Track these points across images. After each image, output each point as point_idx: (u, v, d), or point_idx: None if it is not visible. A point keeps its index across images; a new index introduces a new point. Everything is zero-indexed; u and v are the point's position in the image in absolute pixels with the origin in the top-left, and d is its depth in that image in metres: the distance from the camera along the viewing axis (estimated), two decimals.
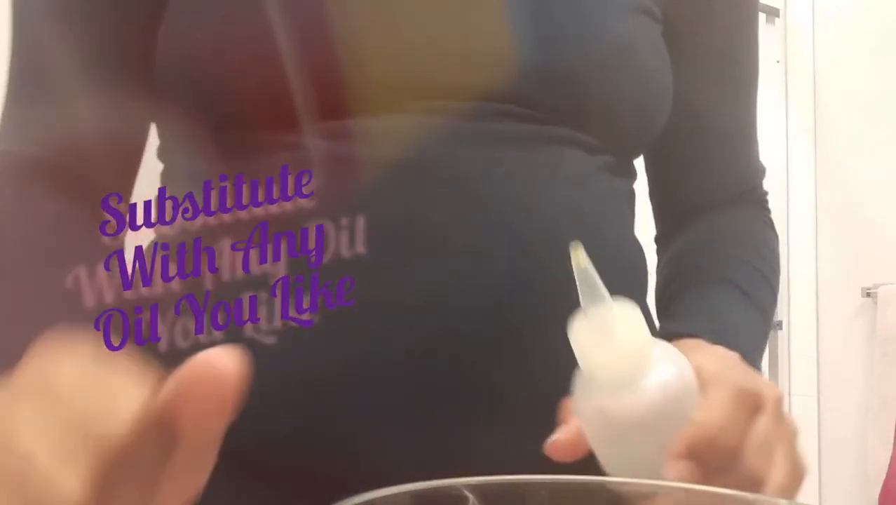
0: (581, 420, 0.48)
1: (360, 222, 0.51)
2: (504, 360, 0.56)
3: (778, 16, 2.50)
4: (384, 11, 0.58)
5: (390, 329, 0.55)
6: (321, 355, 0.56)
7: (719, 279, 0.70)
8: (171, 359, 0.35)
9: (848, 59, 2.40)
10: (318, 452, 0.57)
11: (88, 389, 0.31)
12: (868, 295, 2.29)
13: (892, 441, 2.07)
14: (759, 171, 0.82)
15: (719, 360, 0.54)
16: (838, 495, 2.24)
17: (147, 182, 0.67)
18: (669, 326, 0.66)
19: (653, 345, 0.48)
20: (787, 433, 0.51)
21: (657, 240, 0.81)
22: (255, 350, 0.55)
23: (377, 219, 0.52)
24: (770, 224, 0.80)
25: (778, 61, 2.48)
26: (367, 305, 0.55)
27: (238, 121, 0.57)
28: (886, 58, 2.33)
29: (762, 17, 2.29)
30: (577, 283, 0.46)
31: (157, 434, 0.32)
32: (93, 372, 0.32)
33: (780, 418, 0.51)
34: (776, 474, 0.48)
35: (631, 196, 0.69)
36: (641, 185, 0.74)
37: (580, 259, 0.46)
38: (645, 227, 0.73)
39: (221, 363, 0.32)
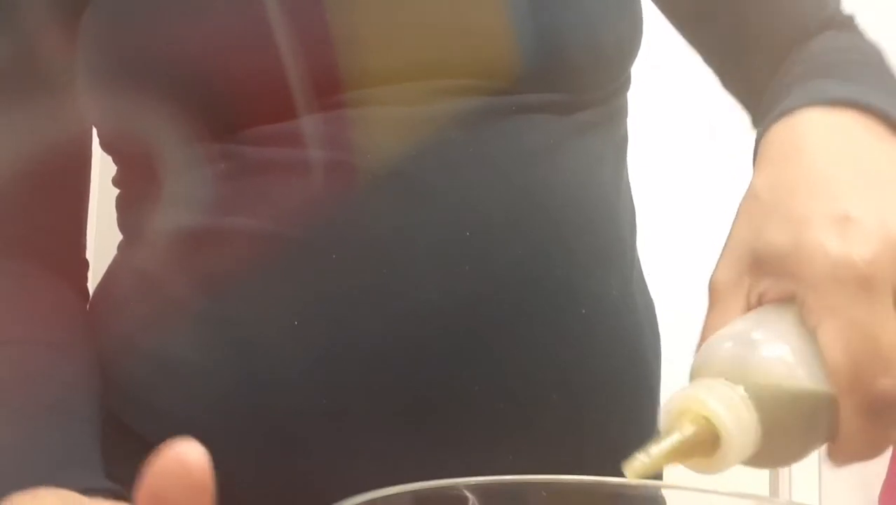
0: None
1: None
2: (472, 368, 0.54)
3: None
4: None
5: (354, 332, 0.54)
6: (294, 357, 0.55)
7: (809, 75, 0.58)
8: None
9: None
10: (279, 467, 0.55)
11: None
12: None
13: None
14: None
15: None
16: (838, 495, 2.24)
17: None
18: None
19: None
20: None
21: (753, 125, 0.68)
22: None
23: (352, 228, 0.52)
24: (868, 40, 0.64)
25: None
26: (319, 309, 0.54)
27: (234, 115, 0.55)
28: None
29: None
30: None
31: None
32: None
33: None
34: None
35: (618, 146, 0.64)
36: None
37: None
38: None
39: (194, 460, 0.28)
